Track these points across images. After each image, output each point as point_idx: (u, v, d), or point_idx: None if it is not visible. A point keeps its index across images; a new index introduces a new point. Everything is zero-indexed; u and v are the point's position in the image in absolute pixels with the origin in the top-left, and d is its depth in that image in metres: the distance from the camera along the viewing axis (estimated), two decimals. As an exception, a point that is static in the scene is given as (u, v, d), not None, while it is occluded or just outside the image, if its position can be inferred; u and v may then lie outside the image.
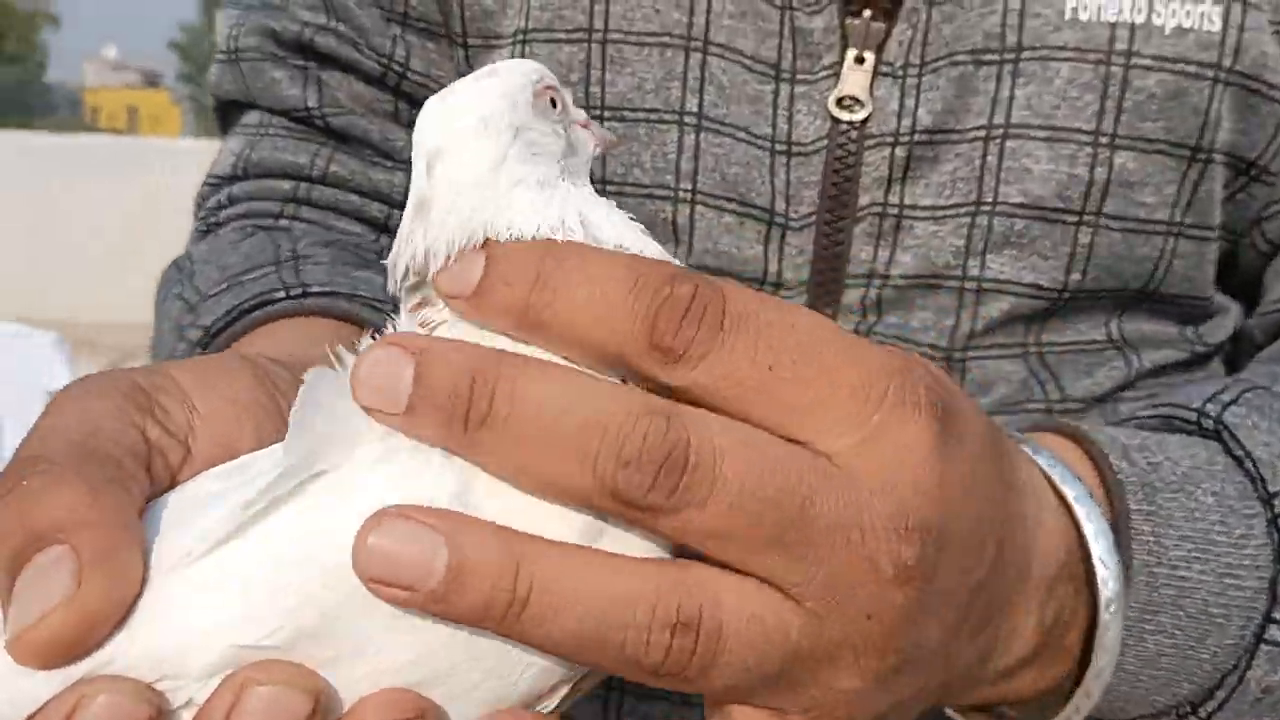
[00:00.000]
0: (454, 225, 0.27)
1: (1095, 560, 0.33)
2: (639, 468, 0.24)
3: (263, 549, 0.25)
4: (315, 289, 0.45)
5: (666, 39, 0.45)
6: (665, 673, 0.25)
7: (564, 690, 0.28)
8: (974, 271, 0.45)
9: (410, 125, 0.51)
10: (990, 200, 0.44)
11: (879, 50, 0.44)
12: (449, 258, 0.27)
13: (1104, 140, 0.44)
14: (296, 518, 0.25)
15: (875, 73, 0.44)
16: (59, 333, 3.45)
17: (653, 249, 0.28)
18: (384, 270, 0.52)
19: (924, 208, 0.45)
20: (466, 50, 0.49)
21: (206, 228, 0.54)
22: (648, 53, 0.46)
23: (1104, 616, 0.33)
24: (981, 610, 0.30)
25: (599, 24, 0.46)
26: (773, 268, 0.46)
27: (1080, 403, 0.47)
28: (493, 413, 0.25)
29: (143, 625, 0.24)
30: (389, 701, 0.25)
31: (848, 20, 0.44)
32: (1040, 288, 0.45)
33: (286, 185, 0.53)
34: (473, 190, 0.27)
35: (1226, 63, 0.44)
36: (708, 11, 0.45)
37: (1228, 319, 0.51)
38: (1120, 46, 0.43)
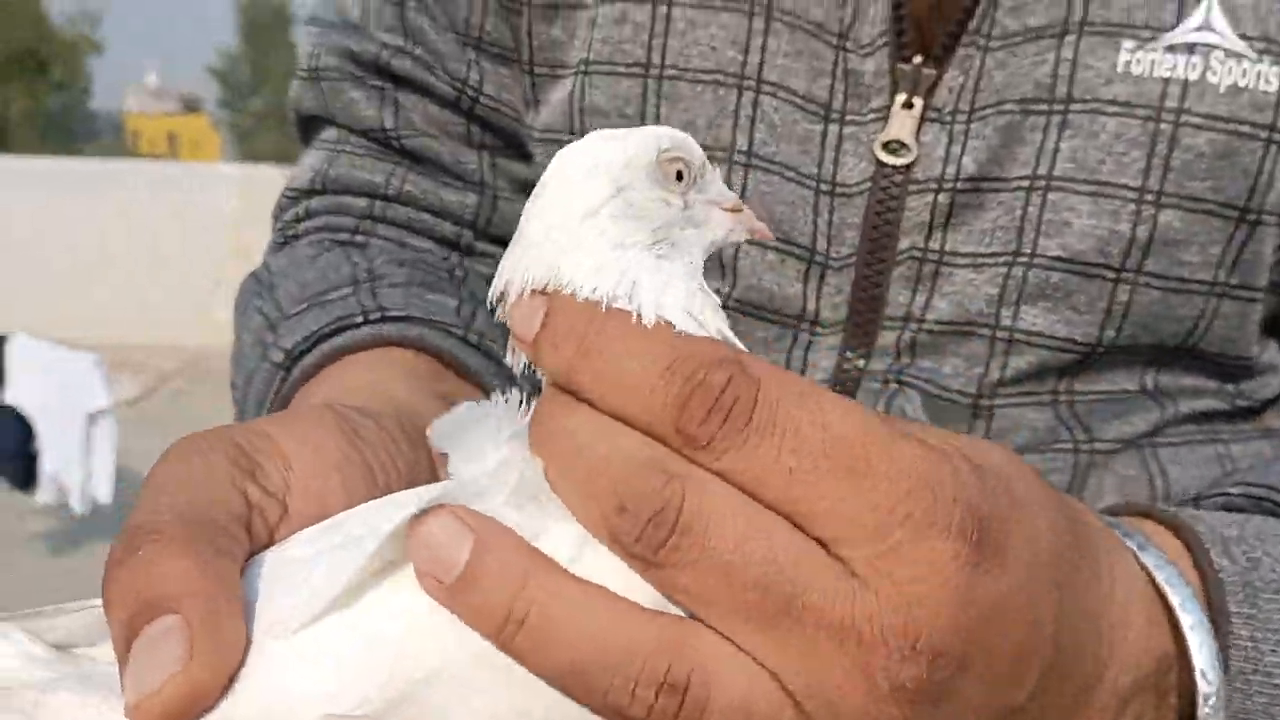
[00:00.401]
0: (530, 263, 0.28)
1: (1197, 672, 0.32)
2: (631, 517, 0.25)
3: (356, 623, 0.26)
4: (393, 313, 0.46)
5: (720, 76, 0.46)
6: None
7: None
8: (1007, 321, 0.45)
9: (481, 148, 0.53)
10: (1029, 251, 0.44)
11: (928, 95, 0.44)
12: (521, 294, 0.28)
13: (1149, 198, 0.43)
14: (388, 595, 0.26)
15: (923, 118, 0.44)
16: (98, 353, 3.48)
17: (705, 327, 0.28)
18: (454, 290, 0.48)
19: (964, 255, 0.45)
20: (534, 78, 0.50)
21: (284, 239, 0.56)
22: (702, 90, 0.46)
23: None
24: None
25: (656, 59, 0.46)
26: (810, 306, 0.46)
27: (1111, 443, 0.46)
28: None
29: (246, 692, 0.25)
30: None
31: (899, 65, 0.44)
32: (1074, 342, 0.44)
33: (362, 203, 0.55)
34: (558, 233, 0.28)
35: None
36: (763, 50, 0.45)
37: (1272, 380, 0.49)
38: (1171, 104, 0.42)
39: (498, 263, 0.48)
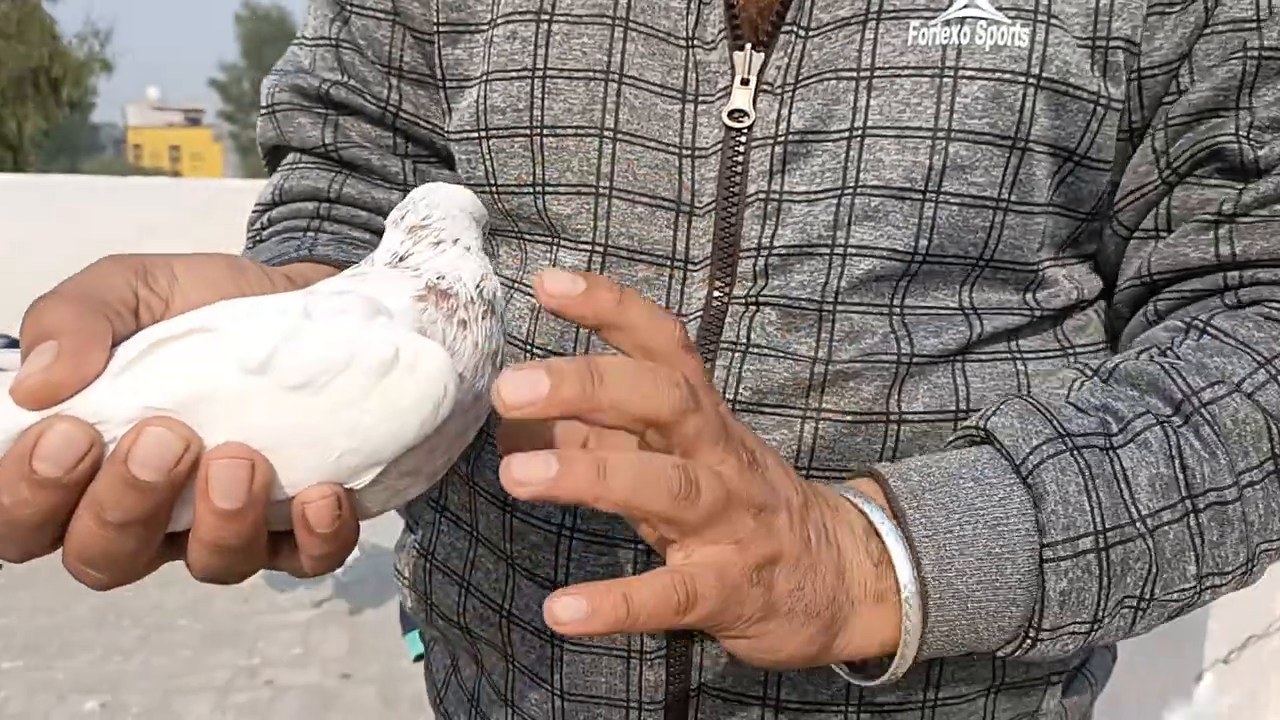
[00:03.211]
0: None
1: (881, 532, 0.46)
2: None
3: (168, 356, 0.36)
4: (321, 252, 0.60)
5: (591, 74, 0.56)
6: (681, 496, 0.38)
7: (370, 475, 0.37)
8: (841, 240, 0.53)
9: (404, 155, 0.67)
10: (853, 185, 0.53)
11: (760, 74, 0.54)
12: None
13: (941, 135, 0.52)
14: (204, 337, 0.36)
15: (757, 91, 0.54)
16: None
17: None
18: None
19: (800, 193, 0.54)
20: (446, 91, 0.61)
21: (253, 244, 0.67)
22: (576, 84, 0.56)
23: (902, 578, 0.45)
24: (815, 523, 0.44)
25: (540, 64, 0.56)
26: (680, 247, 0.55)
27: (928, 357, 0.54)
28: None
29: (93, 391, 0.35)
30: (233, 449, 0.36)
31: (735, 53, 0.54)
32: (896, 251, 0.53)
33: (311, 205, 0.66)
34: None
35: (1035, 70, 0.51)
36: (623, 53, 0.55)
37: (1062, 289, 0.58)
38: (950, 63, 0.52)
39: None
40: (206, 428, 0.35)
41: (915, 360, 0.54)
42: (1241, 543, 0.50)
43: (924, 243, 0.53)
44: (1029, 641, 0.48)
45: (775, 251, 0.54)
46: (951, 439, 0.53)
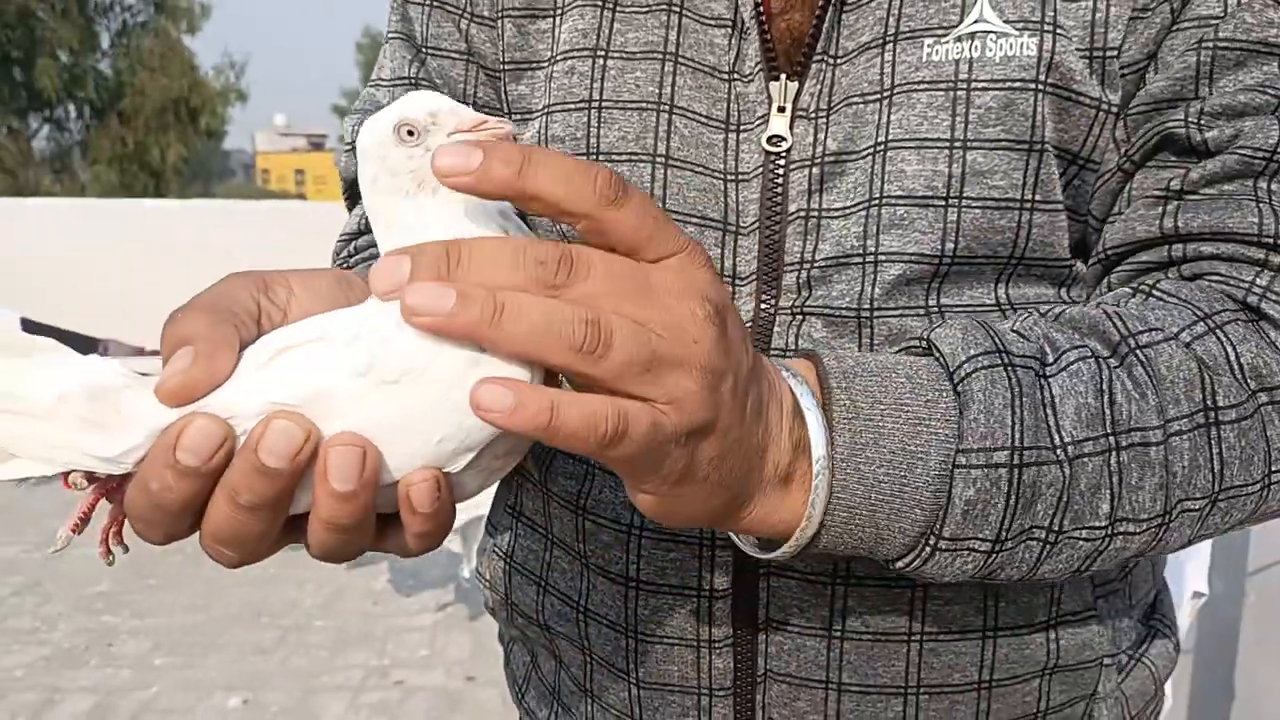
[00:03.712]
0: (379, 236, 0.44)
1: (804, 411, 0.46)
2: (546, 266, 0.38)
3: (289, 360, 0.41)
4: None
5: (643, 104, 0.60)
6: (585, 350, 0.37)
7: (465, 459, 0.41)
8: (872, 249, 0.56)
9: None
10: (879, 197, 0.56)
11: (795, 101, 0.58)
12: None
13: (958, 144, 0.55)
14: (307, 356, 0.41)
15: (793, 117, 0.58)
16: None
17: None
18: None
19: (836, 209, 0.57)
20: (514, 122, 0.65)
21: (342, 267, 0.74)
22: (630, 114, 0.60)
23: (815, 453, 0.46)
24: (754, 396, 0.43)
25: (597, 96, 0.61)
26: (728, 264, 0.59)
27: None
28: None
29: (225, 390, 0.40)
30: (347, 438, 0.40)
31: (771, 83, 0.58)
32: (924, 255, 0.56)
33: None
34: (370, 208, 0.44)
35: (1042, 77, 0.55)
36: (673, 86, 0.60)
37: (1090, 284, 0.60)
38: (963, 77, 0.55)
39: None
40: (323, 421, 0.39)
41: None
42: (1160, 489, 0.50)
43: (950, 246, 0.56)
44: (928, 549, 0.48)
45: (816, 264, 0.57)
46: (896, 349, 0.54)
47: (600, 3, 0.62)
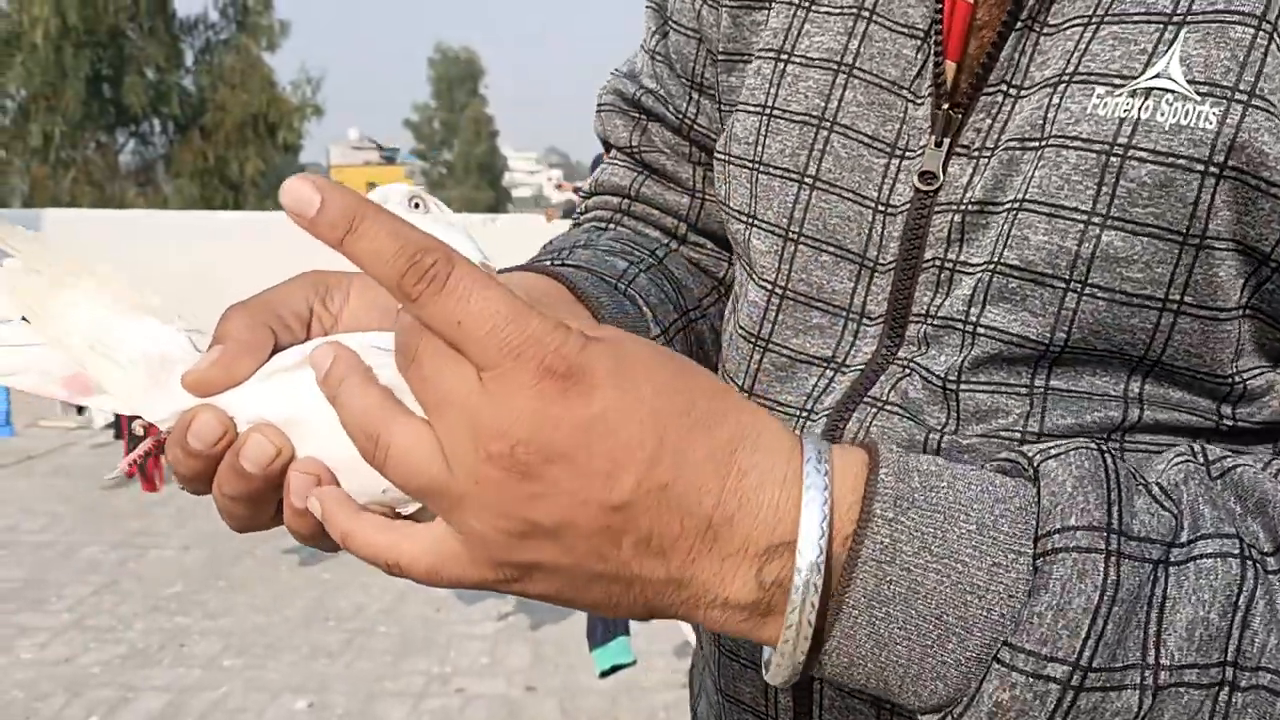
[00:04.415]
0: None
1: (798, 550, 0.38)
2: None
3: (281, 381, 0.44)
4: (569, 262, 0.63)
5: (806, 118, 0.57)
6: (366, 453, 0.39)
7: (413, 506, 0.42)
8: (974, 317, 0.50)
9: (695, 163, 0.72)
10: (996, 261, 0.49)
11: (955, 135, 0.52)
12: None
13: (1096, 220, 0.47)
14: (298, 379, 0.43)
15: (950, 153, 0.53)
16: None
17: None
18: (638, 261, 0.67)
19: (969, 265, 0.51)
20: (721, 112, 0.66)
21: (574, 225, 0.78)
22: (792, 126, 0.58)
23: (792, 595, 0.38)
24: (643, 535, 0.37)
25: (770, 103, 0.59)
26: (858, 300, 0.55)
27: (1060, 437, 0.47)
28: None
29: (238, 391, 0.44)
30: (304, 465, 0.42)
31: (934, 111, 0.53)
32: (1027, 339, 0.49)
33: (616, 200, 0.75)
34: None
35: (1219, 158, 0.45)
36: (840, 100, 0.56)
37: (1273, 400, 0.49)
38: (1122, 140, 0.46)
39: (704, 250, 0.72)
40: (298, 441, 0.43)
41: (1044, 438, 0.48)
42: None
43: (1061, 335, 0.48)
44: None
45: (933, 322, 0.52)
46: (996, 457, 0.45)
47: (797, 1, 0.60)
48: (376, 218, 0.36)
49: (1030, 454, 0.42)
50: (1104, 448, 0.42)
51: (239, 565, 4.08)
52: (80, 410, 5.20)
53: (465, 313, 0.36)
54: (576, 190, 8.16)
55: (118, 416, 4.46)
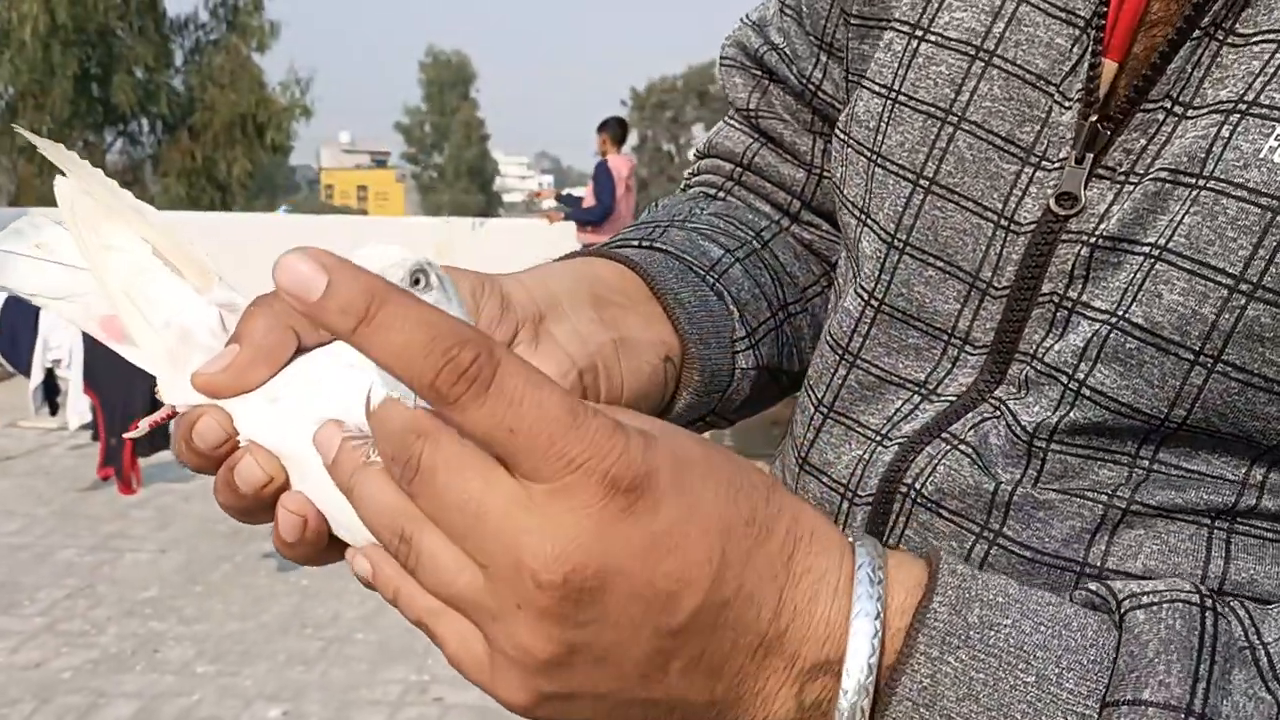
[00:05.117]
0: None
1: (844, 671, 0.35)
2: (396, 464, 0.34)
3: (281, 409, 0.42)
4: (658, 245, 0.59)
5: (931, 109, 0.50)
6: (399, 557, 0.36)
7: None
8: (1081, 374, 0.44)
9: (816, 134, 0.65)
10: (1120, 314, 0.42)
11: (1100, 154, 0.45)
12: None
13: (1244, 288, 0.39)
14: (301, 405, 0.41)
15: (1091, 174, 0.45)
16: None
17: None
18: (735, 246, 0.61)
19: (1093, 309, 0.44)
20: (848, 81, 0.58)
21: (683, 187, 0.72)
22: (915, 117, 0.50)
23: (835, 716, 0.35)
24: (694, 656, 0.34)
25: (896, 85, 0.51)
26: (964, 325, 0.49)
27: (1160, 510, 0.43)
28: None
29: (244, 400, 0.42)
30: (299, 499, 0.40)
31: (1082, 121, 0.45)
32: (1137, 411, 0.42)
33: (728, 167, 0.68)
34: None
35: None
36: (972, 92, 0.48)
37: None
38: None
39: (817, 230, 0.64)
40: (292, 473, 0.42)
41: (1135, 508, 0.44)
42: None
43: (1180, 413, 0.42)
44: None
45: (1035, 366, 0.46)
46: (1080, 590, 0.40)
47: None
48: (399, 304, 0.31)
49: (1121, 594, 0.37)
50: (1207, 603, 0.36)
51: (216, 570, 4.03)
52: (54, 411, 5.14)
53: (518, 419, 0.31)
54: (559, 196, 8.09)
55: (94, 419, 4.40)
